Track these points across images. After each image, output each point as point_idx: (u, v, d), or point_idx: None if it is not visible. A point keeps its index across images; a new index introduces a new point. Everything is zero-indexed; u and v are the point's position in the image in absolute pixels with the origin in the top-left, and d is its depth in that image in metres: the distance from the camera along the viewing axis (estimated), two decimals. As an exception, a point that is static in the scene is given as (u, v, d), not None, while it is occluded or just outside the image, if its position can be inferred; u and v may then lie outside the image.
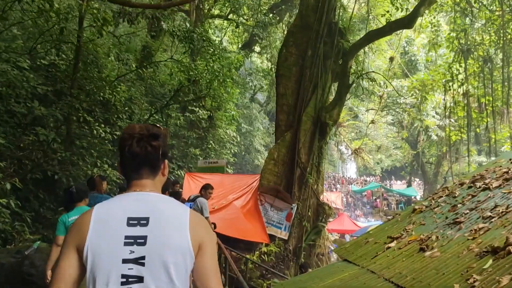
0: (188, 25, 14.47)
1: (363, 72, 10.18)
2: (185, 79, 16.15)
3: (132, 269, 1.32)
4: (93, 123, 10.16)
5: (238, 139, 20.92)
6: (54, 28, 8.85)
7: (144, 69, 15.05)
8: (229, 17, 21.46)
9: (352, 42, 10.36)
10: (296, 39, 10.68)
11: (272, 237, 9.28)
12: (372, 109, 27.38)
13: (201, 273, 1.41)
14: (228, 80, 15.72)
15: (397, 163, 40.22)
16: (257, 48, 23.71)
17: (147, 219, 1.38)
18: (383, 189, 33.76)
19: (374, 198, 34.96)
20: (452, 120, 16.80)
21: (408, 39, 23.92)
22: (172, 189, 9.45)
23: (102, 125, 10.53)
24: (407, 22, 9.11)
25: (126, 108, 14.47)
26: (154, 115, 16.03)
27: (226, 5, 21.38)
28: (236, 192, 9.85)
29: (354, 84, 10.19)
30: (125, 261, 1.32)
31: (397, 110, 27.24)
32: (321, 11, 10.50)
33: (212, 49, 13.21)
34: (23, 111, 8.54)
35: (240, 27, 22.30)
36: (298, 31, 10.71)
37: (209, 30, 13.43)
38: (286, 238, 9.47)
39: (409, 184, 40.66)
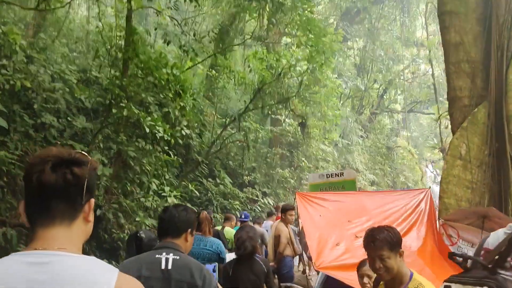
0: None
1: None
2: (269, 74, 12.25)
3: None
4: (143, 118, 6.31)
5: (336, 155, 16.34)
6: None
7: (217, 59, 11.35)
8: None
9: None
10: None
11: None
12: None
13: None
14: (324, 67, 11.55)
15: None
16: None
17: None
18: None
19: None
20: None
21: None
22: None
23: (158, 122, 6.67)
24: None
25: (196, 124, 11.16)
26: (228, 127, 12.28)
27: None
28: (396, 222, 5.19)
29: None
30: None
31: None
32: None
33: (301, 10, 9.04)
34: (60, 125, 6.91)
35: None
36: None
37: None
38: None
39: None
